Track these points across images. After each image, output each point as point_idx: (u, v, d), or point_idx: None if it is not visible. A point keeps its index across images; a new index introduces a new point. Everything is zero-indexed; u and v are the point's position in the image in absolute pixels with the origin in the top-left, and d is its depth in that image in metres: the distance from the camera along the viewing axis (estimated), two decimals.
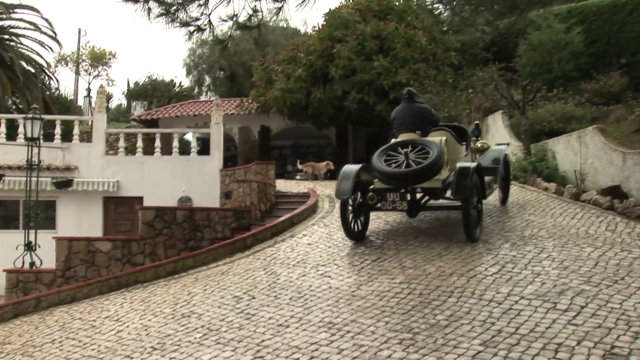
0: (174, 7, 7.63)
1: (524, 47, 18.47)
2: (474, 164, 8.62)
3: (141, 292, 9.11)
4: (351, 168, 8.86)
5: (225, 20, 7.83)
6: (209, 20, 7.84)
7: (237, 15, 7.81)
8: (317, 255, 8.78)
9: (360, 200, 9.06)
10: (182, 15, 7.69)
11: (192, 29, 7.91)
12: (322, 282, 7.44)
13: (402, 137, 9.28)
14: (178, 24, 7.76)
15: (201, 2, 7.66)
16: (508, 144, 11.92)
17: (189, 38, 7.99)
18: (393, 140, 9.31)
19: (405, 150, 8.53)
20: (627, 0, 18.15)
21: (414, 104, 9.65)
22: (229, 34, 8.51)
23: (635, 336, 5.01)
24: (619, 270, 6.76)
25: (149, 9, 7.57)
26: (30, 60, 26.74)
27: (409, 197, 8.73)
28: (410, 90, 9.90)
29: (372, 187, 8.82)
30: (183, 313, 7.27)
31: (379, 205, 8.79)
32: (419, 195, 9.07)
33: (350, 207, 8.93)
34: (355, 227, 9.08)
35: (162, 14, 7.63)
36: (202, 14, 7.79)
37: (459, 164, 8.55)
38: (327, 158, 23.97)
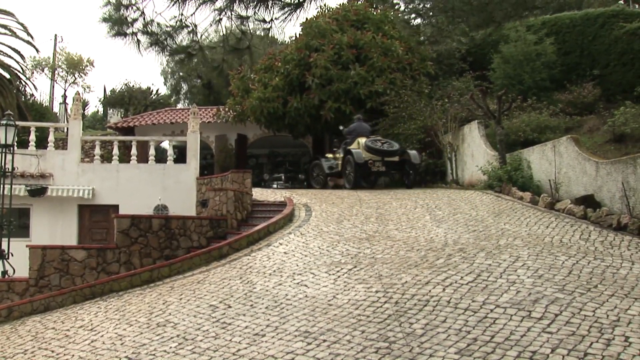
0: (163, 37, 7.66)
1: (497, 59, 18.69)
2: (416, 152, 16.80)
3: (116, 301, 9.03)
4: (359, 150, 16.26)
5: (214, 47, 8.00)
6: (199, 46, 7.91)
7: (227, 36, 7.88)
8: (294, 264, 8.77)
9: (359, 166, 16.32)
10: (171, 42, 7.74)
11: (182, 56, 8.01)
12: (298, 291, 7.43)
13: (362, 139, 16.73)
14: (168, 53, 7.86)
15: (190, 29, 7.70)
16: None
17: (181, 65, 8.20)
18: (363, 140, 16.65)
19: (382, 142, 16.58)
20: (599, 13, 18.51)
21: (362, 123, 17.80)
22: (222, 58, 8.62)
23: (608, 343, 5.08)
24: (592, 279, 6.85)
25: (139, 41, 7.61)
26: (4, 66, 26.42)
27: (385, 164, 16.46)
28: (360, 116, 18.25)
29: (370, 159, 16.14)
30: (158, 322, 7.21)
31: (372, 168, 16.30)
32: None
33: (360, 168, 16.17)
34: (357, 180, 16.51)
35: (152, 44, 7.67)
36: (192, 40, 7.84)
37: (410, 151, 16.64)
38: (304, 167, 23.96)
